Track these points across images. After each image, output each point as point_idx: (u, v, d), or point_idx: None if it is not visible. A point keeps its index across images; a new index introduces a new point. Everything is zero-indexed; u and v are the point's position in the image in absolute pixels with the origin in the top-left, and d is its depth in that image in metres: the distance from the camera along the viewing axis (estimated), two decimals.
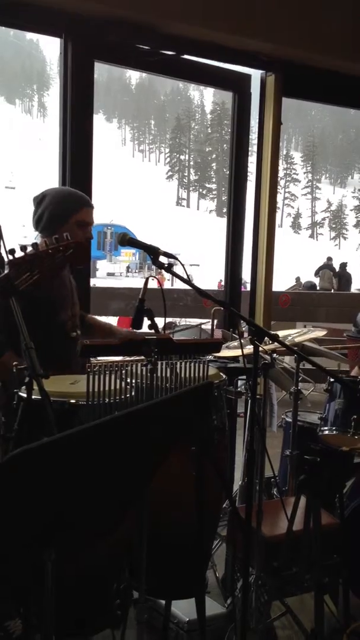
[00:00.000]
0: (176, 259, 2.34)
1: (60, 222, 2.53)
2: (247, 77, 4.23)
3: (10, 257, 1.73)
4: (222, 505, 2.63)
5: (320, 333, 3.14)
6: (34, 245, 1.76)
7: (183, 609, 2.53)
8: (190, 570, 2.16)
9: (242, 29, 3.83)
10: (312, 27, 4.04)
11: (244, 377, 3.05)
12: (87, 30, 3.45)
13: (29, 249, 1.77)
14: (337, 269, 19.91)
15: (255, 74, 4.25)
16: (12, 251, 1.72)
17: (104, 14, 3.44)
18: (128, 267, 44.38)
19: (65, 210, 2.56)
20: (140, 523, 1.94)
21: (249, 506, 2.18)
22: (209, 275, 27.24)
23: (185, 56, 3.87)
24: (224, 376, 2.48)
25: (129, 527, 1.98)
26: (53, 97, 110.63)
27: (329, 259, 21.24)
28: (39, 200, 2.61)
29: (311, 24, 4.03)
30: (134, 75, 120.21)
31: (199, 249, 47.78)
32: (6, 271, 1.72)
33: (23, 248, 1.76)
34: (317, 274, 19.49)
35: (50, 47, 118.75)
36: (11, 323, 1.73)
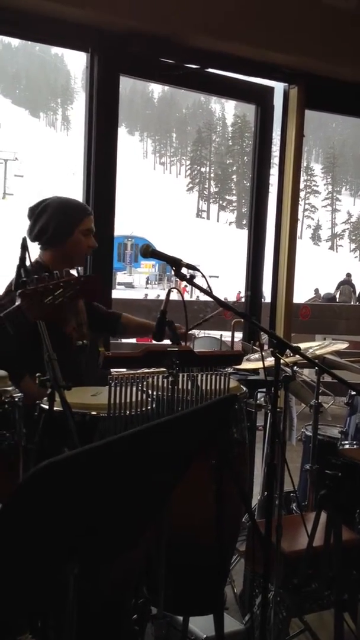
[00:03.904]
0: (198, 270, 2.34)
1: (67, 234, 2.55)
2: (270, 90, 4.24)
3: (22, 289, 1.73)
4: (241, 519, 2.61)
5: (341, 346, 3.11)
6: (47, 277, 1.75)
7: (201, 625, 2.51)
8: (208, 586, 2.15)
9: (266, 42, 3.85)
10: (335, 39, 4.04)
11: (264, 389, 3.03)
12: (113, 45, 3.48)
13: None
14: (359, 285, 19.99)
15: (278, 87, 4.26)
16: (24, 283, 1.72)
17: (129, 28, 3.47)
18: (147, 279, 44.52)
19: (71, 222, 2.56)
20: (158, 537, 1.93)
21: (269, 521, 2.16)
22: (228, 286, 27.20)
23: (209, 69, 3.89)
24: (244, 389, 2.47)
25: (147, 542, 1.97)
26: (77, 111, 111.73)
27: (348, 275, 21.25)
28: (39, 211, 2.58)
29: (334, 36, 4.03)
30: (156, 89, 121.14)
31: (218, 261, 47.78)
32: (18, 302, 1.72)
33: (35, 280, 1.75)
34: (337, 289, 19.56)
35: (74, 61, 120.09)
36: (25, 337, 1.73)
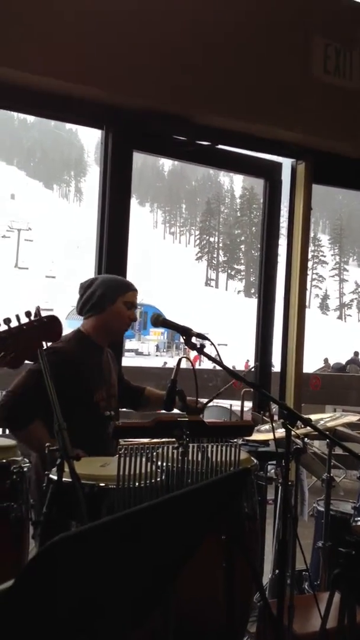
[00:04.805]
0: (208, 339, 2.36)
1: (110, 301, 2.69)
2: (278, 165, 4.37)
3: None
4: (252, 598, 2.51)
5: (353, 418, 3.08)
6: (6, 321, 1.73)
7: None
8: None
9: (274, 120, 4.00)
10: (340, 117, 4.19)
11: (274, 462, 2.98)
12: (127, 122, 3.62)
13: (2, 326, 1.73)
14: None
15: (286, 162, 4.39)
16: None
17: (143, 106, 3.62)
18: (157, 346, 44.67)
19: (115, 291, 2.71)
20: (166, 616, 1.86)
21: (280, 601, 2.08)
22: (237, 355, 27.21)
23: (219, 145, 4.03)
24: (255, 461, 2.43)
25: (154, 620, 1.90)
26: (89, 183, 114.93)
27: (356, 353, 21.25)
28: (87, 285, 2.75)
29: (339, 114, 4.19)
30: (166, 163, 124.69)
31: (226, 329, 47.95)
32: None
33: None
34: (344, 368, 19.47)
35: (88, 136, 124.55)
36: (47, 400, 1.74)
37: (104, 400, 2.67)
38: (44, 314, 1.78)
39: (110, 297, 2.69)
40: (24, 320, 1.75)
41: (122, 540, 0.95)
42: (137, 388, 3.02)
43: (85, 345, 2.68)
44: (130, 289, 2.76)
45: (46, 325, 1.76)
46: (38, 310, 1.78)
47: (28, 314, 1.75)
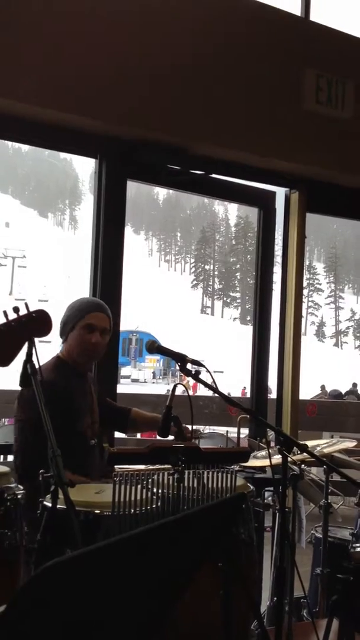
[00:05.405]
0: (203, 366, 2.37)
1: (70, 328, 2.68)
2: (272, 194, 4.42)
3: None
4: (249, 627, 2.48)
5: (350, 444, 3.07)
6: None
7: None
8: None
9: (268, 151, 4.06)
10: (333, 147, 4.27)
11: (271, 488, 2.96)
12: (121, 152, 3.67)
13: None
14: None
15: (280, 191, 4.44)
16: None
17: (137, 136, 3.68)
18: (154, 373, 44.56)
19: (74, 317, 2.67)
20: None
21: (279, 629, 2.06)
22: (233, 382, 27.15)
23: (214, 175, 4.08)
24: (251, 487, 2.42)
25: None
26: (84, 211, 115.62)
27: (354, 385, 21.27)
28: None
29: (332, 144, 4.26)
30: (161, 191, 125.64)
31: (222, 356, 47.90)
32: None
33: None
34: (341, 396, 19.47)
35: (82, 165, 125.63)
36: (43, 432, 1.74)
37: (89, 427, 2.64)
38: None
39: (69, 325, 2.66)
40: (12, 316, 1.71)
41: (116, 566, 0.95)
42: (122, 409, 2.97)
43: (66, 372, 2.64)
44: (90, 312, 2.65)
45: (35, 320, 1.72)
46: (26, 305, 1.74)
47: (16, 309, 1.71)
